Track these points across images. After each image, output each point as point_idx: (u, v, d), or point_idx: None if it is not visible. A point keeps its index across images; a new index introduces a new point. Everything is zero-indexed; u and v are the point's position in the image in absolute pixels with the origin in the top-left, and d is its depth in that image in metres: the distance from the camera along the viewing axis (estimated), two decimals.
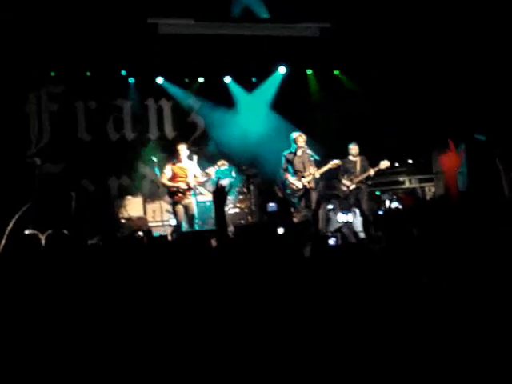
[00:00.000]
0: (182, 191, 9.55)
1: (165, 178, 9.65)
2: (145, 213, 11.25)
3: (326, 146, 11.42)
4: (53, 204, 10.15)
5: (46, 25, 9.95)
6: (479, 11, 10.39)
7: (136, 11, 10.23)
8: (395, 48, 11.68)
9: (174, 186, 9.58)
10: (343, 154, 10.74)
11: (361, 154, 10.80)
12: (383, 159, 10.50)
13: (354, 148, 10.81)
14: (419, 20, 10.95)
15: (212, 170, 9.64)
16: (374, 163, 10.58)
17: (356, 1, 10.84)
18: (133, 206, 11.18)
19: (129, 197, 11.30)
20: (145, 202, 11.38)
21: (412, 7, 10.70)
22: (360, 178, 10.59)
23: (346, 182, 10.65)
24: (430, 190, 11.34)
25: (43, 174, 10.77)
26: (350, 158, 10.81)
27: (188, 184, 9.58)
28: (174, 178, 9.65)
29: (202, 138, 12.52)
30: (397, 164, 11.62)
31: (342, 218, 9.45)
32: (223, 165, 9.73)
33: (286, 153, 10.15)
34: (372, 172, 10.53)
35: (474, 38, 10.72)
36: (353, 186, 10.59)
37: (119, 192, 11.86)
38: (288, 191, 10.09)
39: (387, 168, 10.65)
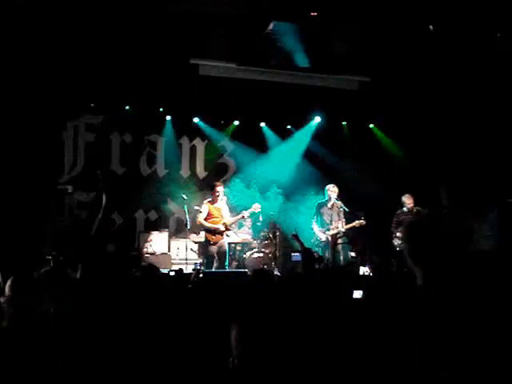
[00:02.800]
0: (219, 232, 9.66)
1: (201, 218, 9.75)
2: (169, 249, 11.28)
3: (358, 199, 11.37)
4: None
5: (92, 56, 10.17)
6: None
7: (179, 51, 10.42)
8: (430, 107, 11.70)
9: (213, 227, 9.67)
10: (369, 208, 10.62)
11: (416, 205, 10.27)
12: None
13: (409, 200, 10.30)
14: (456, 82, 10.98)
15: (246, 213, 9.80)
16: None
17: (396, 58, 10.89)
18: (158, 242, 11.22)
19: (154, 232, 11.35)
20: (170, 238, 11.42)
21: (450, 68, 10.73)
22: None
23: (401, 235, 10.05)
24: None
25: (73, 202, 10.90)
26: (405, 209, 10.34)
27: (225, 225, 9.70)
28: (209, 217, 9.75)
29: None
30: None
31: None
32: (257, 208, 9.86)
33: (317, 203, 10.18)
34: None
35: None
36: None
37: (146, 226, 11.93)
38: (312, 240, 10.08)
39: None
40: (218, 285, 3.95)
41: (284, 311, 3.45)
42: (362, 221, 10.04)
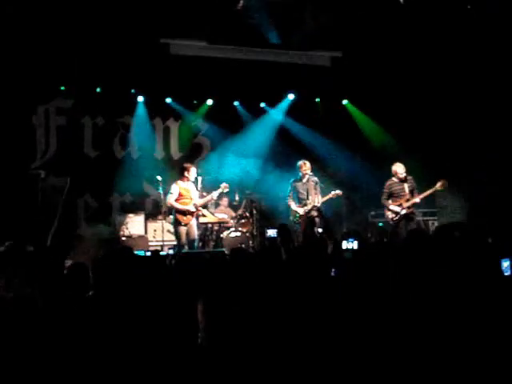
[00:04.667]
0: (190, 213, 9.57)
1: (172, 199, 9.64)
2: (146, 232, 11.22)
3: (332, 174, 11.43)
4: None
5: (60, 39, 10.00)
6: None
7: (149, 31, 10.28)
8: (403, 78, 11.71)
9: (183, 208, 9.56)
10: (348, 183, 10.66)
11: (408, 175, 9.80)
12: (439, 179, 9.58)
13: (399, 169, 9.73)
14: (430, 53, 10.99)
15: (215, 194, 9.73)
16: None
17: (368, 31, 10.86)
18: (134, 224, 11.15)
19: (130, 215, 11.27)
20: (146, 220, 11.35)
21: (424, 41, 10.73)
22: (413, 202, 9.62)
23: (394, 207, 9.70)
24: (434, 223, 11.24)
25: (46, 187, 10.77)
26: (394, 179, 9.81)
27: (196, 206, 9.60)
28: (179, 198, 9.66)
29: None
30: None
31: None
32: (225, 188, 9.79)
33: (291, 180, 10.13)
34: (427, 194, 9.60)
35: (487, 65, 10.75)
36: (403, 211, 9.60)
37: (121, 209, 11.83)
38: (291, 217, 10.07)
39: (441, 187, 9.61)
40: (193, 264, 3.90)
41: (253, 286, 3.44)
42: (337, 191, 9.92)
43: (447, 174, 10.34)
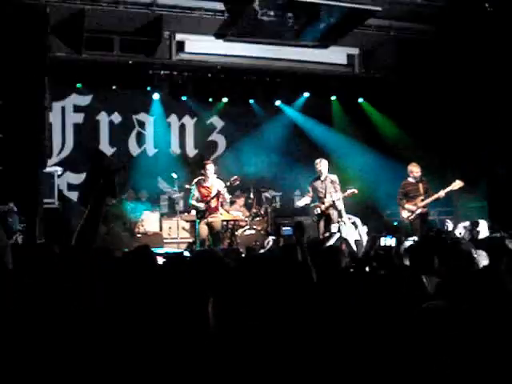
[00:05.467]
0: (208, 211, 9.58)
1: (193, 199, 9.69)
2: (161, 229, 11.26)
3: (348, 172, 11.39)
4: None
5: (77, 36, 10.03)
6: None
7: (164, 27, 10.28)
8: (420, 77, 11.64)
9: (202, 207, 9.60)
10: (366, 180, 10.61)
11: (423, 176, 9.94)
12: (454, 180, 9.61)
13: (414, 169, 9.85)
14: (448, 55, 10.92)
15: (222, 189, 9.71)
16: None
17: (385, 30, 10.81)
18: (149, 222, 11.19)
19: (146, 212, 11.30)
20: (161, 217, 11.39)
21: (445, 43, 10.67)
22: (428, 201, 9.71)
23: (409, 206, 9.79)
24: (449, 222, 11.14)
25: (63, 184, 10.86)
26: (410, 180, 9.92)
27: (209, 203, 9.59)
28: (201, 197, 9.68)
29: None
30: None
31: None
32: (236, 181, 9.77)
33: (311, 179, 10.15)
34: (443, 193, 9.62)
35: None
36: (419, 211, 9.71)
37: None
38: (313, 217, 10.08)
39: (461, 188, 9.68)
40: (207, 261, 3.90)
41: (267, 286, 3.43)
42: (353, 190, 9.84)
43: (463, 173, 10.32)
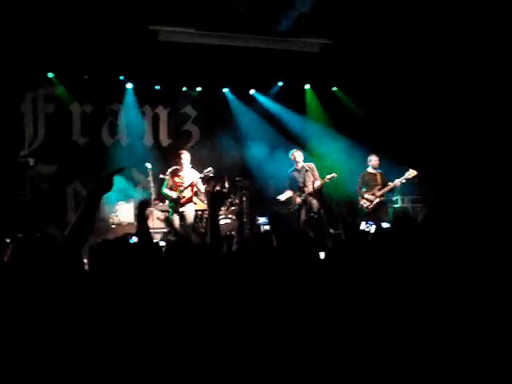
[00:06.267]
0: (182, 200, 9.61)
1: (166, 188, 9.71)
2: (135, 219, 11.20)
3: (322, 161, 11.46)
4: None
5: (47, 26, 9.91)
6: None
7: (138, 17, 10.21)
8: (393, 67, 11.73)
9: (175, 196, 9.62)
10: (338, 167, 10.71)
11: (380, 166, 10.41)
12: (408, 169, 10.02)
13: (374, 159, 10.41)
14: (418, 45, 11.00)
15: (196, 179, 9.73)
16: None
17: (357, 19, 10.84)
18: (124, 212, 11.13)
19: (120, 202, 11.23)
20: (136, 208, 11.33)
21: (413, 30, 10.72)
22: (385, 191, 10.18)
23: (368, 196, 10.26)
24: (422, 210, 11.29)
25: (35, 175, 10.75)
26: (369, 170, 10.44)
27: (181, 192, 9.62)
28: (174, 187, 9.70)
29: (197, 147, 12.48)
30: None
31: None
32: (210, 172, 9.78)
33: (289, 171, 10.23)
34: (398, 183, 10.08)
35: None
36: (377, 200, 10.15)
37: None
38: (290, 206, 10.16)
39: (414, 177, 10.08)
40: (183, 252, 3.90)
41: (242, 275, 3.45)
42: (333, 174, 10.04)
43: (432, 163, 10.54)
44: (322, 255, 4.31)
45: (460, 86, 11.10)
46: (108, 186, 3.50)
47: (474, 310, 3.04)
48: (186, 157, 9.83)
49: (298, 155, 10.21)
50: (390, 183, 10.19)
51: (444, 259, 3.48)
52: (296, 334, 2.95)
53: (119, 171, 3.69)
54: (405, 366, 2.87)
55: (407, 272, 3.42)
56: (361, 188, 10.32)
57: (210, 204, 4.13)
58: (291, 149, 10.58)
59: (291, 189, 10.20)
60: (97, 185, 3.47)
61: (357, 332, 3.05)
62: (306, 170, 10.08)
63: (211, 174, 9.87)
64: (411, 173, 9.99)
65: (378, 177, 10.31)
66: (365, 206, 10.22)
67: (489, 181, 10.62)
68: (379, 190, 10.17)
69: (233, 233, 10.39)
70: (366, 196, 10.25)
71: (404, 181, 10.08)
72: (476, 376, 2.78)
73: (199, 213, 10.86)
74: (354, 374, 2.87)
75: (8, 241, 4.70)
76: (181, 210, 9.69)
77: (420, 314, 3.07)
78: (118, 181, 10.79)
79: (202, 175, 9.74)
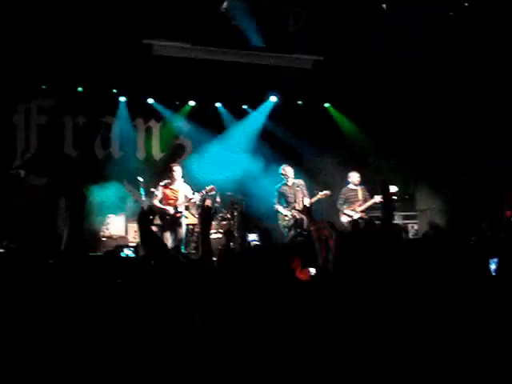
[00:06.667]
0: (170, 214, 9.55)
1: (156, 200, 9.64)
2: (126, 232, 11.19)
3: (315, 176, 11.53)
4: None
5: (41, 38, 9.94)
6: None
7: (132, 31, 10.25)
8: (386, 84, 11.81)
9: (162, 209, 9.55)
10: (333, 184, 10.78)
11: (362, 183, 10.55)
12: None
13: (355, 176, 10.53)
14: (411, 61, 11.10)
15: (197, 196, 9.67)
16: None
17: (349, 36, 10.93)
18: (115, 225, 11.11)
19: (111, 215, 11.20)
20: (127, 221, 11.31)
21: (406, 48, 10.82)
22: (364, 207, 10.26)
23: (348, 212, 10.33)
24: (413, 227, 11.36)
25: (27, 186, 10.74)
26: (350, 186, 10.55)
27: (176, 208, 9.57)
28: (164, 200, 9.64)
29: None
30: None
31: None
32: (211, 190, 9.72)
33: (277, 186, 10.23)
34: (378, 199, 9.92)
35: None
36: (357, 216, 10.14)
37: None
38: (279, 222, 10.15)
39: (393, 194, 9.89)
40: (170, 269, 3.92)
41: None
42: (326, 192, 10.08)
43: (426, 177, 10.58)
44: (313, 271, 4.33)
45: (460, 88, 11.21)
46: (82, 199, 3.52)
47: (473, 311, 3.07)
48: (177, 170, 9.81)
49: (288, 170, 10.23)
50: (370, 199, 10.25)
51: (442, 261, 3.52)
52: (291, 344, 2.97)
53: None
54: (405, 366, 2.90)
55: (405, 276, 3.46)
56: (341, 204, 10.43)
57: (200, 220, 4.14)
58: (282, 164, 10.60)
59: (279, 204, 10.20)
60: (71, 200, 3.50)
61: (357, 333, 3.08)
62: (297, 186, 10.09)
63: (213, 192, 9.80)
64: (392, 188, 9.68)
65: (360, 193, 10.42)
66: (345, 221, 10.28)
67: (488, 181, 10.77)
68: (360, 205, 10.28)
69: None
70: (345, 212, 10.35)
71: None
72: (476, 376, 2.81)
73: (190, 227, 10.85)
74: (355, 374, 2.90)
75: None
76: (172, 225, 9.63)
77: (420, 315, 3.10)
78: (110, 193, 10.82)
79: (203, 192, 9.65)
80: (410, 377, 2.89)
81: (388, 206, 4.44)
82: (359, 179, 10.52)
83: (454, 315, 3.08)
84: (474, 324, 3.01)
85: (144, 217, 4.04)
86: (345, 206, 10.39)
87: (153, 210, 3.78)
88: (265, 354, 2.96)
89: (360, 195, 10.38)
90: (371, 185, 10.38)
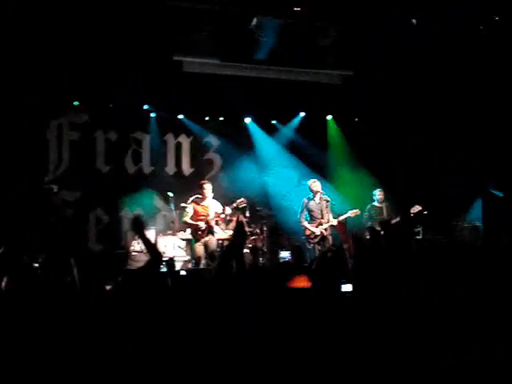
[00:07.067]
0: (201, 230, 9.66)
1: (187, 217, 9.79)
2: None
3: (343, 192, 11.51)
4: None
5: (74, 55, 10.12)
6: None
7: (163, 48, 10.40)
8: (413, 98, 11.80)
9: (193, 225, 9.69)
10: (361, 201, 10.79)
11: (386, 200, 10.80)
12: (413, 204, 10.32)
13: (380, 194, 10.77)
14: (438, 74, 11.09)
15: (228, 209, 9.77)
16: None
17: (379, 51, 10.94)
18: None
19: None
20: (157, 236, 11.38)
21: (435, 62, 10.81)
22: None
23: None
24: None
25: (59, 201, 10.89)
26: (376, 204, 10.77)
27: (208, 223, 9.68)
28: (195, 215, 9.77)
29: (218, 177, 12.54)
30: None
31: None
32: (242, 203, 9.82)
33: (304, 199, 10.23)
34: (399, 218, 10.26)
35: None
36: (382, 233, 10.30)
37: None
38: (303, 237, 10.15)
39: (419, 212, 10.32)
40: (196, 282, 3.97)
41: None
42: (355, 210, 10.25)
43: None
44: (347, 288, 4.32)
45: (460, 88, 11.21)
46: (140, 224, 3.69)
47: (473, 311, 3.07)
48: (208, 187, 9.93)
49: (317, 185, 10.22)
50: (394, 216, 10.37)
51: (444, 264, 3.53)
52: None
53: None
54: (405, 365, 2.89)
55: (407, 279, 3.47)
56: (367, 221, 10.53)
57: (234, 235, 4.19)
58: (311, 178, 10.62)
59: (303, 217, 10.18)
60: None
61: (358, 334, 3.08)
62: (327, 201, 10.08)
63: (244, 205, 9.93)
64: (416, 208, 10.26)
65: (384, 210, 10.63)
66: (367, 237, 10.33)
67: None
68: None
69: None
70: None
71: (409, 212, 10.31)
72: (476, 376, 2.80)
73: (219, 242, 10.87)
74: (357, 374, 2.90)
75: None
76: (205, 239, 9.74)
77: (420, 316, 3.10)
78: (140, 208, 10.93)
79: (234, 205, 9.82)
80: (410, 377, 2.88)
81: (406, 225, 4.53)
82: (383, 196, 10.76)
83: (454, 315, 3.07)
84: (474, 324, 2.99)
85: (137, 222, 4.04)
86: (369, 223, 10.41)
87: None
88: (265, 354, 2.98)
89: (385, 212, 10.59)
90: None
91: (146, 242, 3.97)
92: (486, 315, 3.08)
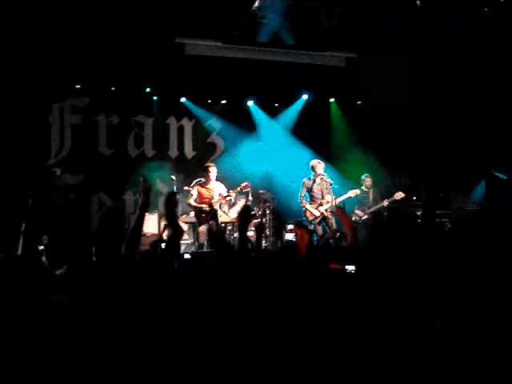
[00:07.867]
0: (205, 212, 9.68)
1: (191, 199, 9.79)
2: (159, 230, 11.24)
3: (345, 174, 11.50)
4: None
5: (75, 38, 10.06)
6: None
7: (165, 30, 10.32)
8: (417, 80, 11.72)
9: (197, 207, 9.69)
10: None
11: (374, 186, 11.20)
12: (397, 191, 10.77)
13: (367, 180, 11.13)
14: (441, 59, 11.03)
15: (232, 193, 9.78)
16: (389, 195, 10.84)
17: (382, 33, 10.85)
18: (148, 223, 11.16)
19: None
20: (160, 219, 11.37)
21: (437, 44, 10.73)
22: (373, 209, 10.79)
23: (358, 212, 10.91)
24: (447, 225, 11.22)
25: (61, 185, 10.88)
26: (363, 188, 11.07)
27: (212, 205, 9.68)
28: (200, 198, 9.78)
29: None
30: (414, 198, 11.54)
31: None
32: (246, 187, 9.83)
33: (304, 180, 10.18)
34: (386, 203, 10.71)
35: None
36: (365, 217, 10.81)
37: (135, 208, 11.85)
38: (304, 218, 10.12)
39: (402, 199, 10.71)
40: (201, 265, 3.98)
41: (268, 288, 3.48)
42: (356, 190, 10.47)
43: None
44: (350, 268, 4.32)
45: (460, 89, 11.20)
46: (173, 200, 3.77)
47: (472, 311, 3.06)
48: (213, 170, 9.95)
49: (318, 166, 10.16)
50: (380, 202, 10.85)
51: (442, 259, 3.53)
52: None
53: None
54: (405, 366, 2.89)
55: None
56: (354, 205, 10.94)
57: (239, 219, 4.24)
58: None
59: (304, 198, 10.16)
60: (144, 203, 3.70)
61: (358, 334, 3.07)
62: (330, 184, 10.02)
63: (248, 189, 9.95)
64: (399, 194, 10.70)
65: (371, 195, 11.06)
66: (355, 220, 10.86)
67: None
68: (369, 207, 10.91)
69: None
70: (355, 211, 10.96)
71: (389, 202, 10.74)
72: (476, 376, 2.79)
73: (222, 225, 10.87)
74: (357, 374, 2.90)
75: None
76: (208, 222, 9.75)
77: (420, 316, 3.09)
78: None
79: (238, 189, 9.82)
80: (410, 377, 2.87)
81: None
82: (370, 182, 11.15)
83: (454, 315, 3.06)
84: (474, 324, 2.98)
85: (171, 199, 4.21)
86: (356, 207, 10.94)
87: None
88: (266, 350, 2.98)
89: (371, 198, 10.99)
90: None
91: (173, 218, 4.19)
92: (486, 313, 3.07)
